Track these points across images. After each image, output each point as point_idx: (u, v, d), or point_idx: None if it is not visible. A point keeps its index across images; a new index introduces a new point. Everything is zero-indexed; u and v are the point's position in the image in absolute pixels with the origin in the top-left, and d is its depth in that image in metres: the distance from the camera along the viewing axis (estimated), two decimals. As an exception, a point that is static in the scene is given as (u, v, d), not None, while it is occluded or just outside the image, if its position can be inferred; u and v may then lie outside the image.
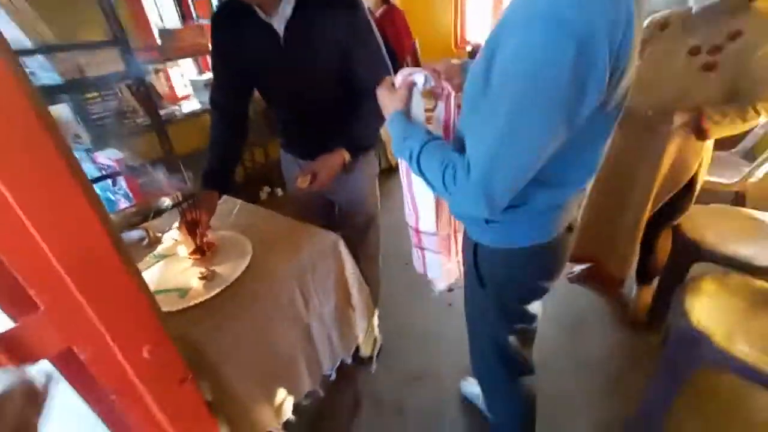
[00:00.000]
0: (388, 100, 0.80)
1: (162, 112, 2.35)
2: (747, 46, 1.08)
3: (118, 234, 0.64)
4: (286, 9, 1.01)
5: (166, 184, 1.31)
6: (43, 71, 1.59)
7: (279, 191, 3.16)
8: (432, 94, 0.84)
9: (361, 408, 1.43)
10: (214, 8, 2.58)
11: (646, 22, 1.33)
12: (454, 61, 0.89)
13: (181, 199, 1.30)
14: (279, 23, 1.02)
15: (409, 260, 2.41)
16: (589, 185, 0.80)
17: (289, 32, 1.03)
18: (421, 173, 0.70)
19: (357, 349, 1.30)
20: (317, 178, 1.11)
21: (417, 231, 1.05)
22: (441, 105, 0.84)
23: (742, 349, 0.93)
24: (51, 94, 1.64)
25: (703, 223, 1.42)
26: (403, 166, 0.93)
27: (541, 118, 0.55)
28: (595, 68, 0.52)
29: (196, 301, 0.89)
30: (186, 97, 2.91)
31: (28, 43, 1.46)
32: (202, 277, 0.97)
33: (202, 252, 1.03)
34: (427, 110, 0.83)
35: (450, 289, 2.09)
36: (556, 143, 0.59)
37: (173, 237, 1.17)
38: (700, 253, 1.36)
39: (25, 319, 0.47)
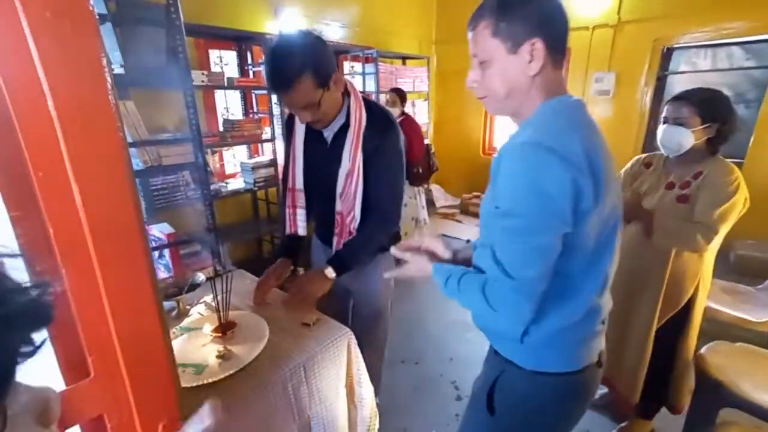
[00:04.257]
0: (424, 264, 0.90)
1: (211, 188, 2.62)
2: (705, 181, 1.32)
3: (163, 310, 0.73)
4: (336, 125, 1.24)
5: (205, 258, 1.43)
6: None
7: (300, 270, 3.27)
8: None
9: None
10: (274, 104, 3.00)
11: (633, 161, 1.58)
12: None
13: (214, 274, 1.41)
14: (328, 133, 1.27)
15: (417, 359, 2.33)
16: (605, 309, 0.84)
17: (335, 141, 1.26)
18: (468, 303, 0.78)
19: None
20: (302, 293, 1.25)
21: None
22: None
23: None
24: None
25: (730, 363, 1.35)
26: None
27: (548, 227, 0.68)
28: (577, 181, 0.66)
29: (210, 380, 0.93)
30: (233, 175, 3.26)
31: (129, 138, 1.78)
32: (219, 356, 1.02)
33: (224, 330, 1.09)
34: None
35: (458, 398, 1.99)
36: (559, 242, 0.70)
37: (200, 311, 1.25)
38: (730, 397, 1.28)
39: (77, 384, 0.53)
